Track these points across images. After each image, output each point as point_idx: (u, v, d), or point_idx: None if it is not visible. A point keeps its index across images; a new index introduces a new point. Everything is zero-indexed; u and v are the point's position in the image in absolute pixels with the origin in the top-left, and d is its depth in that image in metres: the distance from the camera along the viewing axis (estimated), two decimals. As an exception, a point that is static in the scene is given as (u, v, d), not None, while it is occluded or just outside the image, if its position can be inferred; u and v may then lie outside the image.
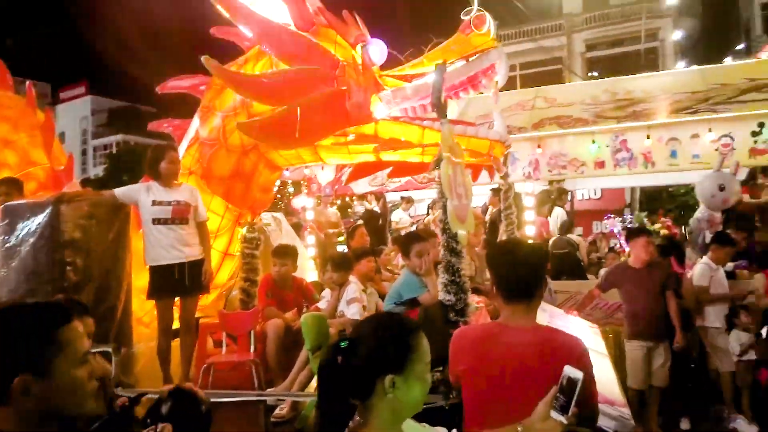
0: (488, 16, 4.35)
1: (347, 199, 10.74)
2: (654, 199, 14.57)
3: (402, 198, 10.18)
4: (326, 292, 5.16)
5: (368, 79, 3.71)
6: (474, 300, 3.84)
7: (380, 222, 9.84)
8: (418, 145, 4.12)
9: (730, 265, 6.18)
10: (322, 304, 5.02)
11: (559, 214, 8.66)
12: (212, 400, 1.61)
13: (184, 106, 5.58)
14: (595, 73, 22.01)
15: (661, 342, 5.20)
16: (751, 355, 5.42)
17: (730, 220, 7.13)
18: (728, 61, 17.14)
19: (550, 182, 8.44)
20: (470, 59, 4.01)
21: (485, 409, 2.06)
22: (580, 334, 4.43)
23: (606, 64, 23.24)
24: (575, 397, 1.56)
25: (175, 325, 4.42)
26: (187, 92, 5.32)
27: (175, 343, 4.40)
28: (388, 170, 7.10)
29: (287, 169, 6.23)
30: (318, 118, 3.27)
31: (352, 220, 9.91)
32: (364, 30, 4.30)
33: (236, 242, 5.31)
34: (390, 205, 10.34)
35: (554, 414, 1.57)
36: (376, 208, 10.31)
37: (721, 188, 6.14)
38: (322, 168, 7.71)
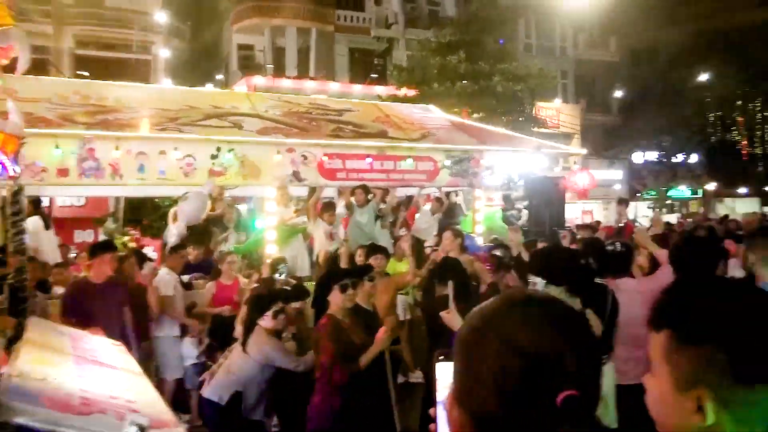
0: None
1: None
2: (138, 209, 14.61)
3: None
4: None
5: None
6: None
7: None
8: None
9: (185, 277, 6.66)
10: None
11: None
12: None
13: None
14: (86, 73, 20.82)
15: None
16: (201, 359, 5.98)
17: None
18: (210, 87, 19.04)
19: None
20: None
21: None
22: (105, 354, 3.89)
23: (97, 65, 22.25)
24: None
25: None
26: None
27: None
28: None
29: None
30: None
31: None
32: None
33: None
34: None
35: None
36: None
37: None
38: None
